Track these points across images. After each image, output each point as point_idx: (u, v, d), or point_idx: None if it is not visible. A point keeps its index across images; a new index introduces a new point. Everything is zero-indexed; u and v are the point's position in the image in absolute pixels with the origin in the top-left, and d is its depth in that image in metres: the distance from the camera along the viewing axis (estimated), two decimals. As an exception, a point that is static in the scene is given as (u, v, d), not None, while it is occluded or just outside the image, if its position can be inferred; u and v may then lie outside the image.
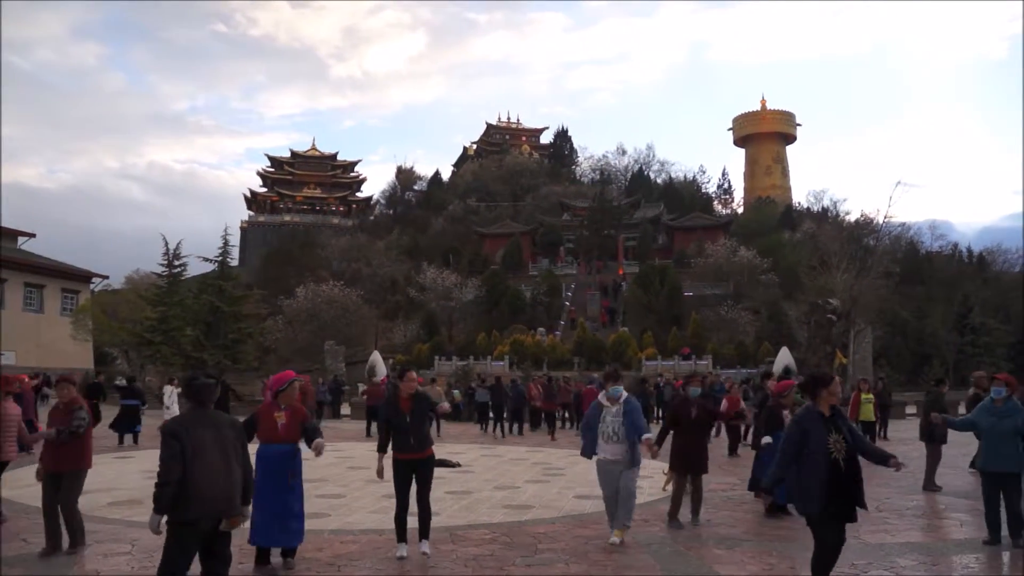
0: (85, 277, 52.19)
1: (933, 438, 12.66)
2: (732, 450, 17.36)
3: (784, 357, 34.71)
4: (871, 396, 19.53)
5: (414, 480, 7.56)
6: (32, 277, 47.70)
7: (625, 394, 8.39)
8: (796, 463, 5.86)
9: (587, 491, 12.05)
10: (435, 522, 7.71)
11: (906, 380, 43.01)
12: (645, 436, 8.10)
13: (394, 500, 7.61)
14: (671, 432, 9.59)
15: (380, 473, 7.82)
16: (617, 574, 7.02)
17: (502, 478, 13.62)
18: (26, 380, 17.24)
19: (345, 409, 33.10)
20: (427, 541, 7.55)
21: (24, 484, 11.66)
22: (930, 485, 12.21)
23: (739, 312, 53.37)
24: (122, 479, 11.09)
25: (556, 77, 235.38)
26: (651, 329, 51.60)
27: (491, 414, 24.64)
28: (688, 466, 9.39)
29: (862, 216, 62.38)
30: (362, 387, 34.09)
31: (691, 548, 8.06)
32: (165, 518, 5.06)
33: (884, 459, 6.08)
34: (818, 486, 5.70)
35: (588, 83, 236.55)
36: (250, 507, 5.48)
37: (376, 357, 38.39)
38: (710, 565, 7.35)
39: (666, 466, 11.59)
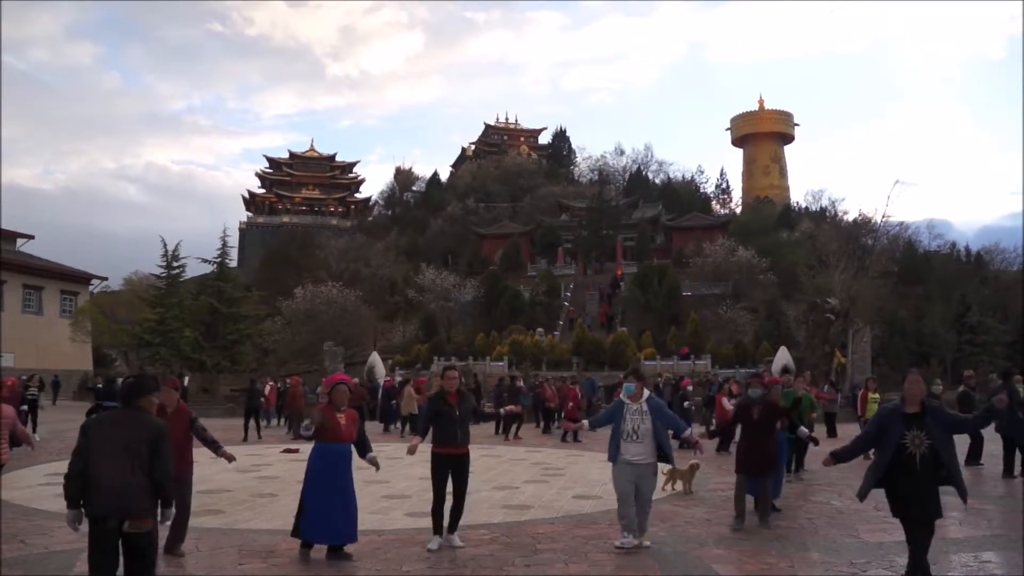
0: (84, 279, 52.17)
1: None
2: (724, 447, 17.46)
3: (783, 356, 34.82)
4: (877, 396, 18.97)
5: (451, 476, 7.86)
6: (31, 279, 47.67)
7: (646, 392, 8.33)
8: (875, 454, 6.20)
9: (586, 491, 12.08)
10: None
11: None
12: (687, 433, 8.55)
13: (394, 501, 7.68)
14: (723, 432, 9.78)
15: (412, 451, 8.09)
16: (617, 574, 7.03)
17: (501, 478, 13.62)
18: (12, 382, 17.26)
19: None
20: (456, 535, 7.91)
21: (24, 485, 11.69)
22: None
23: (738, 312, 53.37)
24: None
25: (554, 76, 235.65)
26: (649, 329, 51.59)
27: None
28: (751, 468, 9.27)
29: (860, 216, 62.42)
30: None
31: (690, 548, 8.07)
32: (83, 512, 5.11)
33: (954, 483, 6.02)
34: (872, 477, 6.01)
35: (586, 83, 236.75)
36: (171, 510, 5.43)
37: (375, 358, 38.52)
38: (709, 564, 7.35)
39: (667, 467, 11.61)
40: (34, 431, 19.24)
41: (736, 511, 9.25)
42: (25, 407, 19.57)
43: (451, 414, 7.84)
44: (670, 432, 8.34)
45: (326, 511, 7.22)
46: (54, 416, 23.05)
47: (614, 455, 8.09)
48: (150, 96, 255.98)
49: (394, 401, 26.38)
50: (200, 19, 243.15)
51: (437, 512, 7.82)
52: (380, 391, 27.72)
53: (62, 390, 40.60)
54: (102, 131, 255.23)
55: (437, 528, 7.83)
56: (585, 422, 9.25)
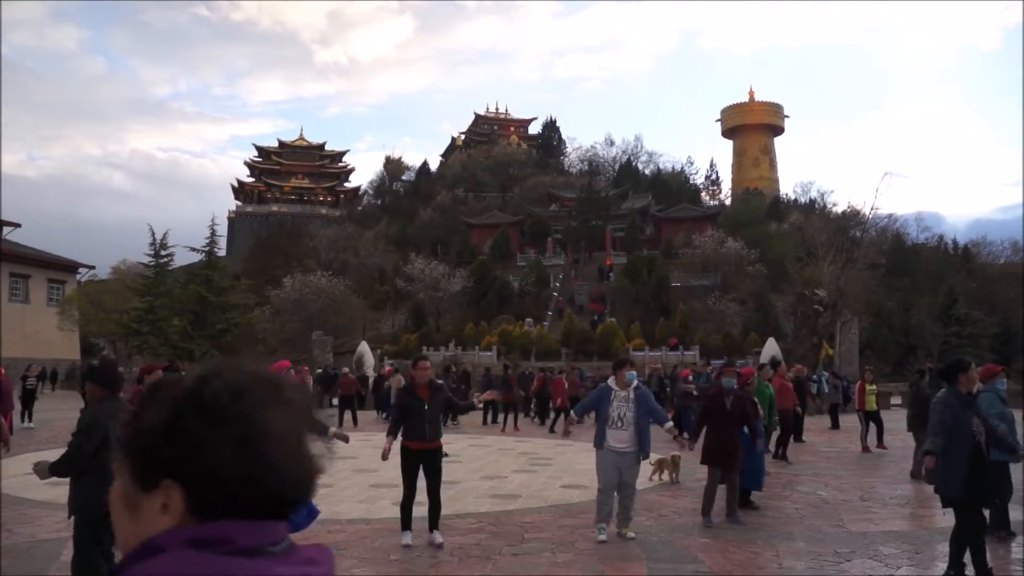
0: (71, 267, 51.82)
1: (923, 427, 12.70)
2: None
3: (771, 348, 34.92)
4: (875, 387, 18.76)
5: (422, 471, 7.57)
6: (17, 267, 47.30)
7: (636, 380, 8.24)
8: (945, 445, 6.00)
9: (573, 481, 12.11)
10: (421, 511, 7.72)
11: (891, 371, 43.33)
12: (668, 425, 8.31)
13: (381, 490, 7.65)
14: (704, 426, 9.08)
15: (385, 455, 7.68)
16: (603, 562, 7.07)
17: (489, 468, 13.65)
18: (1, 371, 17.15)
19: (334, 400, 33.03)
20: (438, 531, 7.64)
21: (10, 475, 11.61)
22: (919, 473, 12.24)
23: (726, 303, 53.54)
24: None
25: (544, 64, 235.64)
26: (638, 319, 51.74)
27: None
28: (720, 461, 8.80)
29: (849, 208, 62.61)
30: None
31: (676, 537, 8.11)
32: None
33: (1013, 449, 6.34)
34: (964, 470, 5.82)
35: (577, 71, 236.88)
36: None
37: (364, 347, 38.48)
38: (695, 554, 7.39)
39: (654, 456, 11.66)
40: (29, 419, 19.64)
41: (705, 506, 8.79)
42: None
43: (419, 408, 7.49)
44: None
45: None
46: (49, 404, 23.04)
47: (600, 441, 8.04)
48: (135, 82, 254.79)
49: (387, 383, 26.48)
50: (185, 2, 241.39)
51: (406, 507, 7.58)
52: (374, 380, 27.61)
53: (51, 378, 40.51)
54: (86, 117, 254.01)
55: (406, 523, 7.57)
56: (572, 414, 9.23)
